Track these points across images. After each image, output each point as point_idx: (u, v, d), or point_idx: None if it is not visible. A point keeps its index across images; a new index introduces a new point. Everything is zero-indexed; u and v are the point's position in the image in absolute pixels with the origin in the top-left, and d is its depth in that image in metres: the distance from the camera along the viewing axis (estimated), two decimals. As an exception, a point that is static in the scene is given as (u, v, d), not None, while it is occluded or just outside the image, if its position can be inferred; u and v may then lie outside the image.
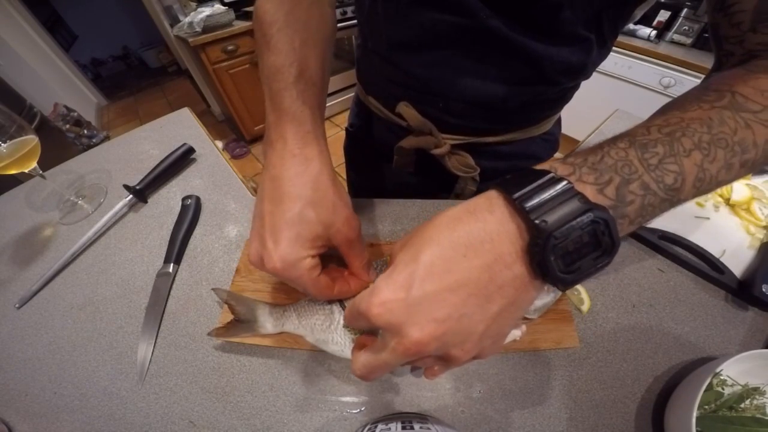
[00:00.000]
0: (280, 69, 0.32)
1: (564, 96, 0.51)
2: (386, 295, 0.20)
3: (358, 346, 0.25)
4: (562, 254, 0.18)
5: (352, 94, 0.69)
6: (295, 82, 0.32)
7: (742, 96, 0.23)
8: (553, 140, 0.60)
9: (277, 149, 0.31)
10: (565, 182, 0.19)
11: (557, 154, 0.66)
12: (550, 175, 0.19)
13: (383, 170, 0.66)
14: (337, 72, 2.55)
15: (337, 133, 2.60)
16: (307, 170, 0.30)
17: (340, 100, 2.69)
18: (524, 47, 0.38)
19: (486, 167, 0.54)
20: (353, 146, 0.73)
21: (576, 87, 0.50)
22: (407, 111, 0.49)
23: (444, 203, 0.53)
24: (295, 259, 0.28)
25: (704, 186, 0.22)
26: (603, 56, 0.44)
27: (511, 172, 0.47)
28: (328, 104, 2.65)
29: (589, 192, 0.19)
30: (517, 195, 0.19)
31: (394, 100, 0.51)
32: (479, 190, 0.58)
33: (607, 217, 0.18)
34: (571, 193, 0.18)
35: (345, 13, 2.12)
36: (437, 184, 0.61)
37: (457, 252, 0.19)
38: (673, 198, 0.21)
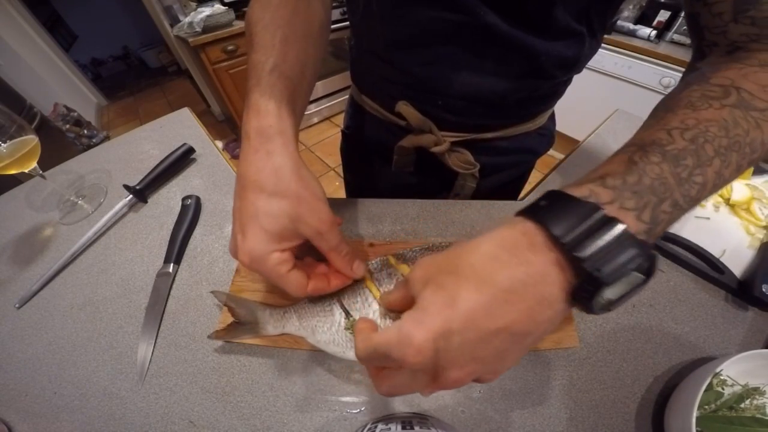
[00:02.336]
0: (257, 65, 0.32)
1: (557, 90, 0.52)
2: (423, 344, 0.19)
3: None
4: (605, 299, 0.18)
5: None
6: (267, 76, 0.31)
7: (747, 93, 0.23)
8: (548, 134, 0.61)
9: (243, 146, 0.31)
10: (619, 226, 0.18)
11: (554, 152, 0.66)
12: (600, 213, 0.18)
13: (381, 171, 0.66)
14: (337, 72, 2.55)
15: (336, 134, 2.60)
16: (267, 164, 0.29)
17: (340, 100, 2.69)
18: (521, 43, 0.39)
19: (485, 163, 0.55)
20: (350, 148, 0.73)
21: (568, 81, 0.52)
22: (407, 110, 0.49)
23: (443, 203, 0.53)
24: (262, 253, 0.28)
25: (715, 190, 0.22)
26: (594, 50, 0.45)
27: (509, 168, 0.49)
28: (328, 104, 2.65)
29: (630, 220, 0.19)
30: (568, 240, 0.18)
31: (392, 100, 0.51)
32: (479, 187, 0.58)
33: (653, 256, 0.18)
34: (625, 237, 0.17)
35: (345, 12, 2.12)
36: (437, 183, 0.61)
37: (499, 297, 0.18)
38: (691, 208, 0.21)
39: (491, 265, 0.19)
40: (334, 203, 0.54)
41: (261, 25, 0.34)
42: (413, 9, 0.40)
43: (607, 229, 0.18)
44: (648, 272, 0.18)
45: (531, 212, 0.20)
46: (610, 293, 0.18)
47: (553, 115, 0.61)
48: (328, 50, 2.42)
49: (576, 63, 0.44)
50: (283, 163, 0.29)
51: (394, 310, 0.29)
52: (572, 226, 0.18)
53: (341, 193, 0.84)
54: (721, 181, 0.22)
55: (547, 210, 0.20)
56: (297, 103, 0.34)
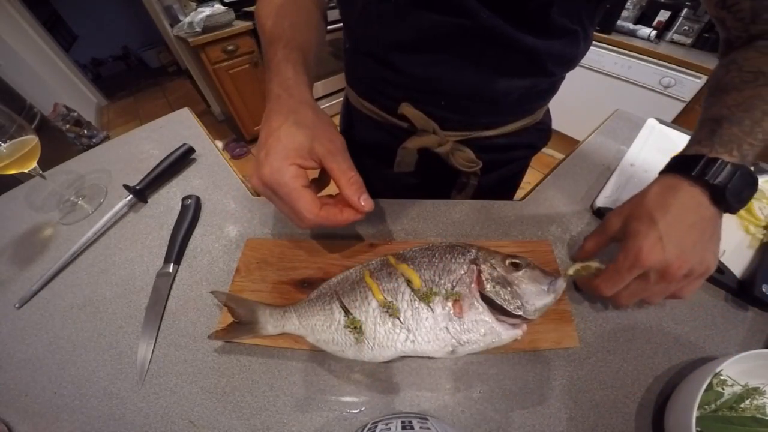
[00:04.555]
0: (273, 44, 0.39)
1: (554, 86, 0.54)
2: (652, 246, 0.32)
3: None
4: (736, 198, 0.32)
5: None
6: (283, 49, 0.39)
7: None
8: (545, 129, 0.62)
9: (268, 97, 0.36)
10: (721, 159, 0.33)
11: (554, 152, 0.66)
12: (706, 156, 0.33)
13: (381, 174, 0.64)
14: (337, 72, 2.54)
15: (337, 133, 2.60)
16: (288, 101, 0.35)
17: (339, 100, 2.68)
18: (523, 43, 0.40)
19: (486, 160, 0.55)
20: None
21: (564, 77, 0.53)
22: (411, 111, 0.49)
23: (443, 203, 0.53)
24: (280, 165, 0.31)
25: None
26: (588, 46, 0.47)
27: (509, 163, 0.59)
28: (328, 104, 2.64)
29: (725, 156, 0.33)
30: (695, 174, 0.33)
31: (393, 102, 0.51)
32: (480, 185, 0.59)
33: (746, 168, 0.32)
34: (726, 164, 0.32)
35: (345, 13, 2.12)
36: (438, 182, 0.62)
37: (679, 214, 0.33)
38: (763, 144, 0.33)
39: (667, 203, 0.33)
40: (334, 203, 0.53)
41: (271, 21, 0.42)
42: (414, 13, 0.40)
43: (716, 163, 0.32)
44: (752, 179, 0.33)
45: (670, 170, 0.36)
46: (733, 188, 0.32)
47: (548, 111, 0.62)
48: (328, 50, 2.42)
49: (573, 59, 0.46)
50: (301, 100, 0.35)
51: (590, 255, 0.40)
52: (696, 168, 0.33)
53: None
54: None
55: (679, 166, 0.35)
56: (307, 66, 0.40)
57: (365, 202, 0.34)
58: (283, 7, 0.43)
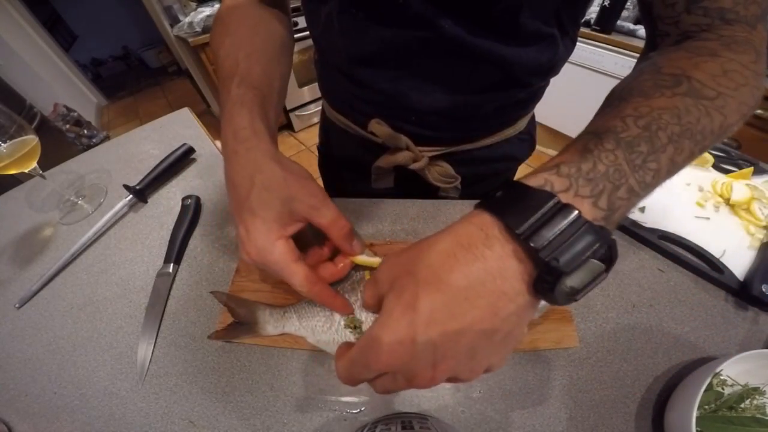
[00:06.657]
0: (226, 82, 0.34)
1: (535, 95, 0.50)
2: (391, 347, 0.19)
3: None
4: (564, 286, 0.17)
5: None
6: (236, 89, 0.33)
7: (698, 82, 0.23)
8: (528, 139, 0.59)
9: (224, 152, 0.32)
10: (574, 213, 0.18)
11: (554, 152, 0.66)
12: (554, 200, 0.18)
13: (361, 189, 0.62)
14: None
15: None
16: (248, 160, 0.30)
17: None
18: (490, 52, 0.37)
19: (466, 174, 0.53)
20: (327, 166, 0.70)
21: (546, 84, 0.50)
22: (380, 128, 0.48)
23: (443, 203, 0.53)
24: (264, 243, 0.28)
25: (669, 177, 0.22)
26: (570, 50, 0.43)
27: (491, 176, 0.48)
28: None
29: (586, 207, 0.19)
30: (522, 230, 0.18)
31: (364, 117, 0.49)
32: (462, 198, 0.56)
33: (611, 241, 0.18)
34: (581, 224, 0.17)
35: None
36: (419, 198, 0.60)
37: (458, 296, 0.18)
38: (647, 194, 0.22)
39: (448, 263, 0.19)
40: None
41: (224, 51, 0.37)
42: (374, 26, 0.38)
43: (562, 217, 0.17)
44: (608, 259, 0.18)
45: (487, 204, 0.20)
46: (571, 282, 0.17)
47: (533, 119, 0.59)
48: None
49: (552, 67, 0.42)
50: (263, 155, 0.30)
51: (371, 311, 0.27)
52: (527, 216, 0.18)
53: (341, 193, 0.84)
54: (675, 168, 0.22)
55: (502, 201, 0.20)
56: (268, 110, 0.34)
57: (356, 246, 0.33)
58: (237, 33, 0.38)
